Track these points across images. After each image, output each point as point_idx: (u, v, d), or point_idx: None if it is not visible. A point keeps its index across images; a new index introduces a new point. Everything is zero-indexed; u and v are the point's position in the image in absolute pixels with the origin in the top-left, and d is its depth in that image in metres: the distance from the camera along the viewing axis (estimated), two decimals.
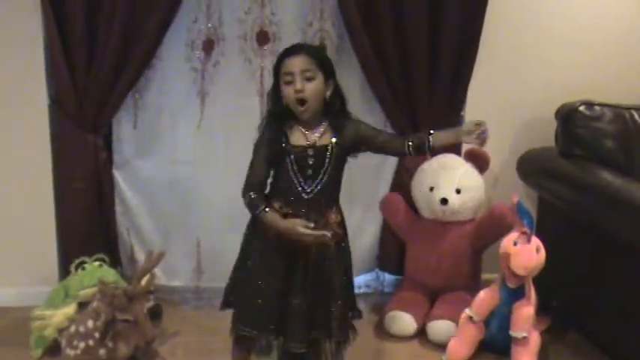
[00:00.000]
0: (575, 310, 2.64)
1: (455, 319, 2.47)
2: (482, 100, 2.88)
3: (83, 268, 2.50)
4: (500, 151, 2.92)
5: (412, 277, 2.80)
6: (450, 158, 2.76)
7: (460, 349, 2.41)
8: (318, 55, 2.00)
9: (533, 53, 2.91)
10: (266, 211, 1.99)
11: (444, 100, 2.81)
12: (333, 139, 2.01)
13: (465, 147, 2.85)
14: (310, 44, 2.08)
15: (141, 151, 2.81)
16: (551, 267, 2.34)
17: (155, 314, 2.58)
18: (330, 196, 2.04)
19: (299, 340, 2.02)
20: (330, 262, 2.05)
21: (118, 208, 2.80)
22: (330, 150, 2.00)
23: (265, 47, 2.75)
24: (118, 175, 2.79)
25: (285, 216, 2.00)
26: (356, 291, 3.00)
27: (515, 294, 2.35)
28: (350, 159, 2.11)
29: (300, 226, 1.95)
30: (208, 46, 2.73)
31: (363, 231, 2.99)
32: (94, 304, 2.10)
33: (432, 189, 2.69)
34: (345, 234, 2.13)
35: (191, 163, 2.81)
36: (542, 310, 2.51)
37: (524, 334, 2.31)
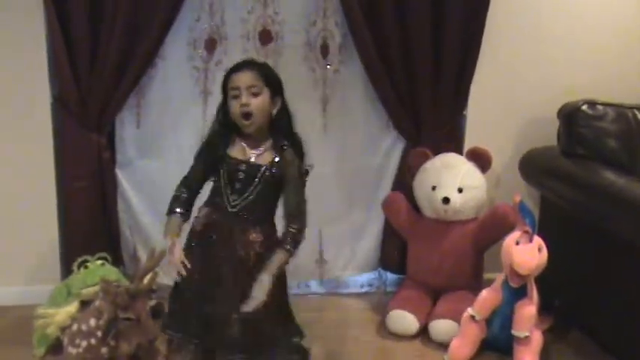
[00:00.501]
0: (577, 309, 2.64)
1: (457, 319, 2.47)
2: (484, 99, 2.88)
3: (86, 267, 2.50)
4: (503, 150, 2.92)
5: (414, 277, 2.80)
6: (452, 157, 2.76)
7: (462, 348, 2.41)
8: (264, 72, 2.03)
9: (536, 53, 2.91)
10: (174, 215, 2.04)
11: (446, 99, 2.81)
12: (268, 163, 2.02)
13: (467, 146, 2.86)
14: (258, 61, 2.10)
15: (144, 150, 2.82)
16: (553, 266, 2.34)
17: (157, 313, 2.57)
18: (256, 214, 2.03)
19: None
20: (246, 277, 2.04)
21: (121, 207, 2.81)
22: (261, 171, 2.01)
23: (268, 46, 2.75)
24: (120, 174, 2.79)
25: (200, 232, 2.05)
26: (359, 290, 3.04)
27: (518, 293, 2.35)
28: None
29: (174, 255, 2.00)
30: (211, 45, 2.74)
31: (365, 230, 3.00)
32: (97, 302, 2.10)
33: (434, 188, 2.69)
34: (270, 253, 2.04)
35: None
36: (544, 309, 2.51)
37: (527, 334, 2.31)
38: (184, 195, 2.09)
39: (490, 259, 2.73)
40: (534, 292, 2.34)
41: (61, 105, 2.65)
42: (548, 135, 2.78)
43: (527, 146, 2.85)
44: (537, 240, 2.33)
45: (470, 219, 2.72)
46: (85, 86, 2.61)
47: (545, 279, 2.38)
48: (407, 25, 2.70)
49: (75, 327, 2.12)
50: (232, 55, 2.73)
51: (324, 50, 2.80)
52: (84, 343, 2.08)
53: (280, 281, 2.10)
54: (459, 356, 2.41)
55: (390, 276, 3.05)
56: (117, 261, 2.72)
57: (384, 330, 2.65)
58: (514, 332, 2.33)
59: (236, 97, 2.00)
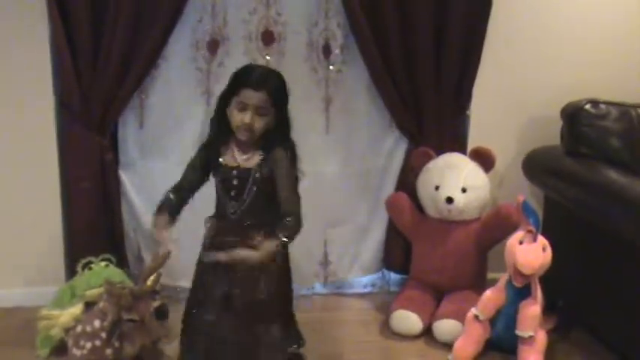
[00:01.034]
0: (581, 308, 2.63)
1: (461, 319, 2.47)
2: (487, 99, 2.88)
3: (90, 268, 2.50)
4: (506, 150, 2.92)
5: (418, 277, 2.80)
6: (455, 157, 2.76)
7: (466, 348, 2.41)
8: (277, 95, 1.99)
9: (539, 52, 2.91)
10: (161, 215, 2.06)
11: (449, 99, 2.81)
12: (256, 165, 2.02)
13: (470, 146, 2.86)
14: (273, 78, 2.02)
15: (146, 151, 2.82)
16: (557, 266, 2.34)
17: (161, 314, 2.57)
18: (256, 218, 2.03)
19: None
20: (251, 283, 2.04)
21: (124, 208, 2.81)
22: (253, 173, 2.01)
23: (270, 47, 2.75)
24: (123, 175, 2.80)
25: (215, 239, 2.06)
26: (363, 290, 3.04)
27: (522, 293, 2.35)
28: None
29: (165, 248, 2.01)
30: (213, 46, 2.74)
31: (368, 230, 3.00)
32: (101, 304, 2.10)
33: (437, 188, 2.69)
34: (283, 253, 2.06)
35: None
36: (548, 309, 2.50)
37: (531, 334, 2.31)
38: (170, 196, 2.10)
39: (494, 259, 2.72)
40: (538, 292, 2.34)
41: (63, 106, 2.65)
42: (551, 134, 2.78)
43: (531, 146, 2.85)
44: (541, 240, 2.33)
45: (473, 219, 2.72)
46: (87, 87, 2.61)
47: (549, 278, 2.37)
48: (409, 25, 2.70)
49: (79, 328, 2.13)
50: (235, 56, 2.74)
51: (326, 51, 2.79)
52: (88, 345, 2.08)
53: (282, 283, 2.10)
54: (463, 356, 2.40)
55: (394, 276, 3.05)
56: (121, 262, 2.72)
57: (387, 330, 2.65)
58: (518, 332, 2.33)
59: (241, 110, 1.98)
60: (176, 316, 2.68)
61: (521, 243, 2.31)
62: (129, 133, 2.79)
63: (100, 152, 2.68)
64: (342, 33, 2.77)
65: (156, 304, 2.50)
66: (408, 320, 2.60)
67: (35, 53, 2.61)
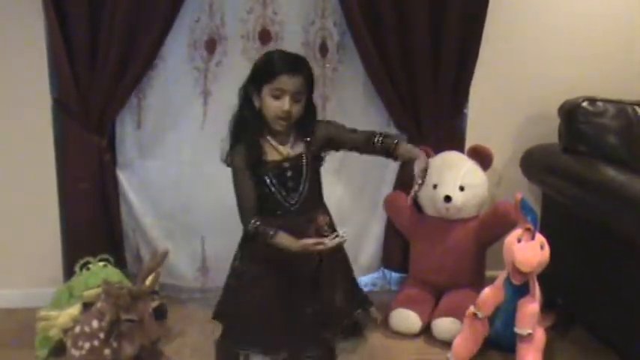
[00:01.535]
0: (580, 306, 2.64)
1: (460, 317, 2.47)
2: (484, 97, 2.88)
3: (88, 269, 2.50)
4: (504, 148, 2.92)
5: (416, 275, 2.80)
6: (453, 155, 2.76)
7: (465, 346, 2.41)
8: (311, 79, 1.98)
9: (536, 50, 2.91)
10: (278, 235, 1.99)
11: (446, 97, 2.81)
12: (305, 146, 2.00)
13: (467, 144, 2.86)
14: (305, 60, 2.02)
15: (144, 151, 2.82)
16: (555, 263, 2.34)
17: (160, 314, 2.58)
18: (314, 201, 2.03)
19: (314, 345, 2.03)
20: (333, 264, 2.04)
21: (122, 209, 2.81)
22: (304, 158, 1.99)
23: (268, 46, 2.75)
24: (121, 175, 2.79)
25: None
26: (363, 289, 3.03)
27: (520, 291, 2.35)
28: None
29: (313, 244, 1.95)
30: (211, 45, 2.74)
31: (367, 230, 3.00)
32: (99, 304, 2.10)
33: (435, 187, 2.69)
34: (334, 229, 2.11)
35: (195, 162, 2.81)
36: (546, 306, 2.50)
37: (529, 331, 2.31)
38: (260, 222, 2.03)
39: (492, 257, 2.73)
40: (537, 290, 2.34)
41: (61, 106, 2.65)
42: (549, 132, 2.78)
43: (529, 143, 2.85)
44: (539, 237, 2.33)
45: (471, 217, 2.72)
46: (85, 88, 2.61)
47: (548, 276, 2.37)
48: (406, 23, 2.69)
49: (77, 329, 2.13)
50: (232, 56, 2.74)
51: (323, 50, 2.79)
52: (87, 345, 2.09)
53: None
54: (462, 354, 2.41)
55: (394, 275, 3.05)
56: (119, 262, 2.72)
57: (386, 329, 2.65)
58: (517, 330, 2.33)
59: (277, 97, 1.95)
60: (175, 316, 2.70)
61: (519, 241, 2.31)
62: (127, 133, 2.79)
63: (98, 152, 2.68)
64: (338, 32, 2.77)
65: (155, 303, 2.51)
66: (407, 319, 2.60)
67: (32, 53, 2.61)
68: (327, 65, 2.81)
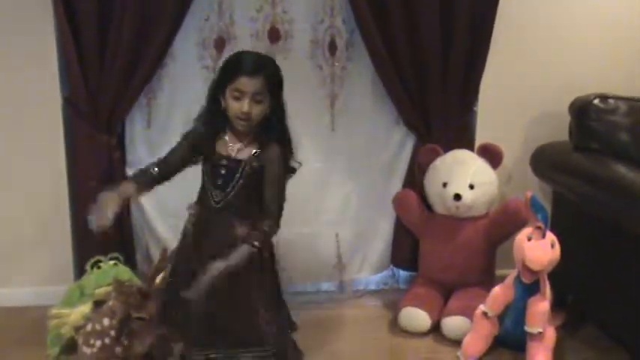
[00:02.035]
0: (590, 304, 2.62)
1: (469, 315, 2.47)
2: (495, 95, 2.87)
3: (99, 267, 2.51)
4: (514, 146, 2.91)
5: (426, 274, 2.79)
6: (463, 153, 2.76)
7: (475, 344, 2.41)
8: (272, 80, 1.97)
9: (546, 48, 2.90)
10: (126, 181, 2.07)
11: (456, 95, 2.80)
12: (250, 156, 2.00)
13: (477, 142, 2.85)
14: (268, 63, 2.01)
15: (154, 150, 2.82)
16: (566, 262, 2.33)
17: None
18: (241, 209, 2.02)
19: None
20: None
21: (133, 207, 2.82)
22: (242, 165, 1.99)
23: (277, 45, 2.75)
24: (131, 174, 2.80)
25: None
26: (371, 288, 3.04)
27: (530, 289, 2.34)
28: None
29: (106, 205, 1.98)
30: (220, 44, 2.74)
31: (376, 228, 3.00)
32: (110, 302, 2.11)
33: (445, 185, 2.69)
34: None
35: None
36: (557, 305, 2.50)
37: (540, 330, 2.30)
38: (152, 167, 2.08)
39: (502, 256, 2.72)
40: (547, 288, 2.33)
41: (70, 106, 2.66)
42: (559, 130, 2.76)
43: (539, 141, 2.83)
44: (550, 236, 2.32)
45: (481, 215, 2.71)
46: (94, 87, 2.62)
47: (558, 274, 2.37)
48: (415, 21, 2.68)
49: (89, 327, 2.13)
50: None
51: (332, 48, 2.79)
52: (98, 343, 2.09)
53: (261, 286, 2.09)
54: (471, 353, 2.40)
55: (404, 273, 3.04)
56: (129, 261, 2.73)
57: (396, 327, 2.65)
58: (527, 328, 2.32)
59: (237, 98, 1.96)
60: None
61: (529, 239, 2.31)
62: (136, 132, 2.80)
63: (108, 151, 2.69)
64: (347, 30, 2.77)
65: None
66: (417, 317, 2.60)
67: (42, 53, 2.62)
68: (336, 63, 2.81)
